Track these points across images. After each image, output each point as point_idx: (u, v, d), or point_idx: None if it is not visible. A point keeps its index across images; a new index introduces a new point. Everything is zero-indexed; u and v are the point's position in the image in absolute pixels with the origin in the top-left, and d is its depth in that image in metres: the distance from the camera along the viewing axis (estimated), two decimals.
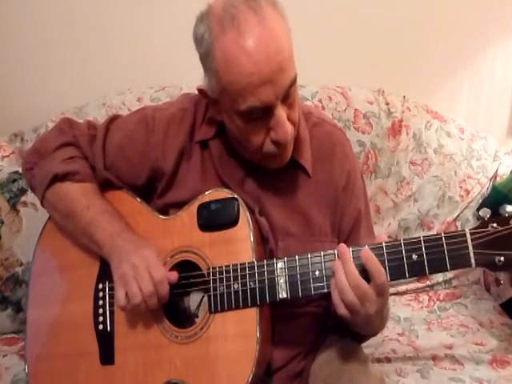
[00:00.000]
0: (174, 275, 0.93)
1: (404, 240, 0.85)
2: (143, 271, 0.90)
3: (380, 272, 0.81)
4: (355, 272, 0.82)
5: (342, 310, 0.83)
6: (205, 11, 0.87)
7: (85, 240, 1.00)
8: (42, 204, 1.07)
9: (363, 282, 0.81)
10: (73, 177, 1.03)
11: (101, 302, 1.00)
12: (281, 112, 0.86)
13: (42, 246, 1.09)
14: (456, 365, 1.33)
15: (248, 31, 0.81)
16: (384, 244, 0.85)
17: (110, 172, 1.04)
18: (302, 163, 1.00)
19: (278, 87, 0.83)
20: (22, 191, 1.45)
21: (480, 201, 1.65)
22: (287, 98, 0.86)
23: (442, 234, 0.83)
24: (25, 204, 1.45)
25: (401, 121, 1.65)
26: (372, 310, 0.83)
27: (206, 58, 0.86)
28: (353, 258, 0.84)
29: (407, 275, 0.84)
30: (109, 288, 1.00)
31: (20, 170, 1.45)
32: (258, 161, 0.96)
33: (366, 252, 0.83)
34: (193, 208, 0.97)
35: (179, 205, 1.00)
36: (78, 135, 1.06)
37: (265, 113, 0.86)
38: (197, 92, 0.96)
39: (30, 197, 1.46)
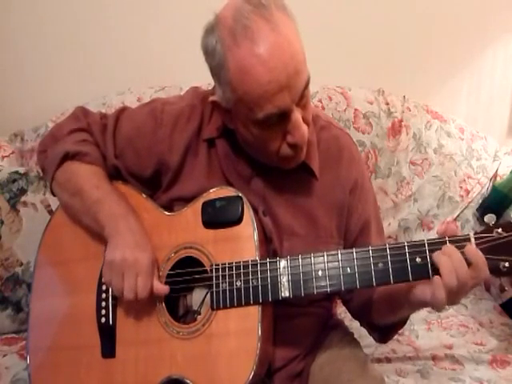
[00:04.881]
0: (165, 289, 0.94)
1: (408, 243, 0.85)
2: (131, 274, 0.91)
3: (485, 265, 0.79)
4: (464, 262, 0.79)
5: (441, 294, 0.79)
6: (213, 22, 0.86)
7: (88, 219, 1.00)
8: (51, 187, 1.07)
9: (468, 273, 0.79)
10: (83, 157, 1.03)
11: (103, 296, 1.00)
12: (297, 115, 0.86)
13: (47, 238, 1.09)
14: (456, 365, 1.33)
15: (262, 40, 0.80)
16: (388, 246, 0.85)
17: (120, 161, 1.05)
18: (310, 166, 0.99)
19: (294, 91, 0.83)
20: (22, 191, 1.45)
21: (480, 201, 1.65)
22: (301, 99, 0.86)
23: (447, 238, 0.82)
24: (25, 204, 1.45)
25: (401, 121, 1.65)
26: (459, 301, 0.81)
27: (220, 70, 0.86)
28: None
29: (411, 278, 0.84)
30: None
31: (20, 169, 1.47)
32: (273, 163, 0.96)
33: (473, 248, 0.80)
34: (197, 205, 0.97)
35: (184, 200, 1.00)
36: (92, 123, 1.07)
37: (281, 118, 0.86)
38: (204, 88, 0.95)
39: (29, 197, 1.46)
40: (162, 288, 0.94)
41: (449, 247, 0.81)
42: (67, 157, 1.03)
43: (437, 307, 0.82)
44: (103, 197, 0.98)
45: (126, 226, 0.95)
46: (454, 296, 0.79)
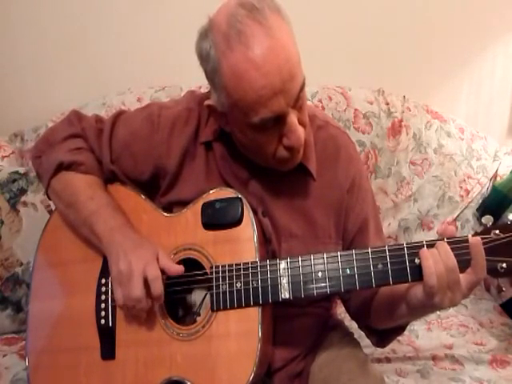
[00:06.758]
0: (180, 268, 0.93)
1: (406, 244, 0.85)
2: (137, 273, 0.89)
3: (484, 266, 0.79)
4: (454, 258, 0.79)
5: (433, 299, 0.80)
6: (207, 26, 0.86)
7: (85, 231, 1.00)
8: (47, 193, 1.07)
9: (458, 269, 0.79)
10: (78, 167, 1.03)
11: (103, 297, 1.00)
12: (293, 118, 0.86)
13: (45, 240, 1.08)
14: (456, 365, 1.33)
15: (256, 45, 0.80)
16: (387, 247, 0.86)
17: (116, 165, 1.04)
18: (307, 166, 0.99)
19: (289, 95, 0.83)
20: (22, 191, 1.45)
21: (480, 201, 1.65)
22: (297, 102, 0.86)
23: (445, 239, 0.82)
24: (25, 204, 1.45)
25: (401, 121, 1.65)
26: (458, 300, 0.80)
27: (214, 75, 0.85)
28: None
29: (409, 279, 0.84)
30: (111, 283, 0.99)
31: (20, 169, 1.47)
32: (270, 166, 0.95)
33: (477, 240, 0.80)
34: (197, 206, 0.97)
35: (183, 203, 1.00)
36: (86, 128, 1.07)
37: (277, 121, 0.86)
38: (201, 90, 0.95)
39: (29, 197, 1.46)
40: (177, 267, 0.93)
41: (426, 251, 0.81)
42: (61, 167, 1.03)
43: (432, 307, 0.82)
44: (98, 209, 0.98)
45: (122, 236, 0.94)
46: (444, 295, 0.79)
